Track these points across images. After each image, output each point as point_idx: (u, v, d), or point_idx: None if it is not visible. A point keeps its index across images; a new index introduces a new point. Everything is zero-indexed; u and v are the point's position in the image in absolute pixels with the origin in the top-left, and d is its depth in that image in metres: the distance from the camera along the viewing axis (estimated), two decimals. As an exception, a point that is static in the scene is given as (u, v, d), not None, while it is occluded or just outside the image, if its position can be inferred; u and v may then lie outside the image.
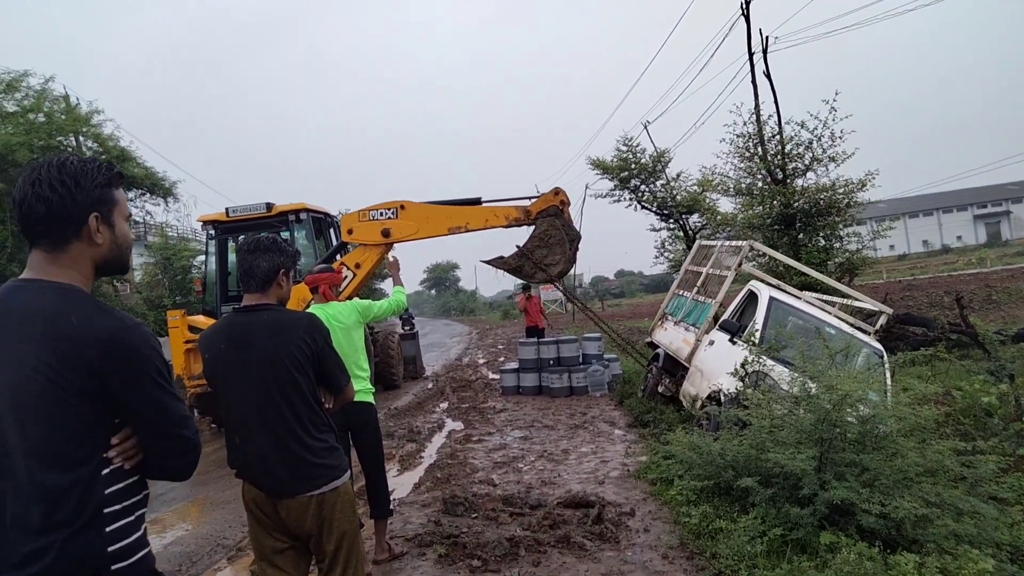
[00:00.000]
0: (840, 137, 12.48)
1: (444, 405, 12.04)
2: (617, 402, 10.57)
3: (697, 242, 12.10)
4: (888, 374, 6.22)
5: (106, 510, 1.62)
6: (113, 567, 1.63)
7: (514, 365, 13.12)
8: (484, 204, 8.22)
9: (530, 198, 7.88)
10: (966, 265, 40.65)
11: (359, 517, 3.08)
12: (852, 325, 8.02)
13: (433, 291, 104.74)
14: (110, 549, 1.62)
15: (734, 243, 11.52)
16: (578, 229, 7.69)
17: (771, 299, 7.44)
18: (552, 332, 15.80)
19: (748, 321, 7.47)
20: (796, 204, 12.69)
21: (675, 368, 9.46)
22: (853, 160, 12.83)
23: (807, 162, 12.99)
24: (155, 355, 1.68)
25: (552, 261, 7.35)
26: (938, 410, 5.22)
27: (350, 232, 8.51)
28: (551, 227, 7.41)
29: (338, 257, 9.43)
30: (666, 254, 22.23)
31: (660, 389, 10.15)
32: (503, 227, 8.02)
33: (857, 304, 9.21)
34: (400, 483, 6.83)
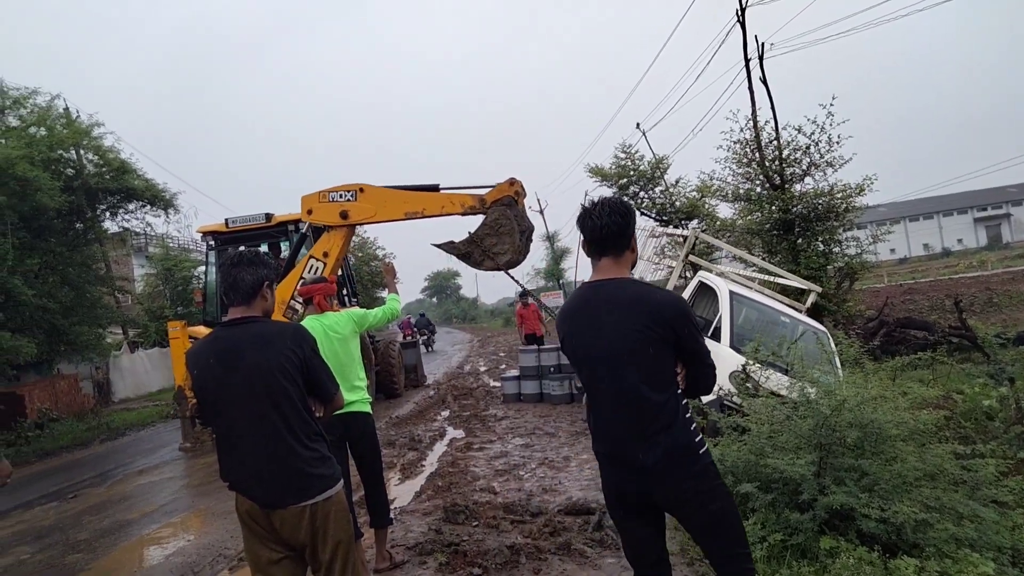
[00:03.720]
0: (837, 142, 12.50)
1: (445, 413, 12.04)
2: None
3: (649, 228, 12.32)
4: (835, 351, 6.47)
5: (686, 415, 2.46)
6: (699, 451, 2.45)
7: (515, 373, 13.12)
8: (442, 191, 8.23)
9: (487, 187, 7.87)
10: (967, 268, 40.58)
11: (360, 527, 3.08)
12: (788, 306, 8.54)
13: (434, 299, 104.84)
14: (696, 440, 2.45)
15: (680, 231, 11.78)
16: (531, 222, 7.66)
17: (731, 294, 7.57)
18: (551, 339, 15.78)
19: (705, 313, 7.70)
20: (794, 209, 12.70)
21: None
22: (852, 165, 12.87)
23: (805, 167, 12.99)
24: (693, 313, 2.55)
25: (501, 250, 7.31)
26: (938, 414, 5.22)
27: (309, 212, 8.51)
28: (503, 216, 7.38)
29: (302, 252, 9.41)
30: (665, 261, 22.24)
31: None
32: (459, 214, 8.01)
33: (785, 282, 9.80)
34: (401, 491, 6.83)
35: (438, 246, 7.40)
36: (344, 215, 8.39)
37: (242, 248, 2.88)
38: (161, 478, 9.04)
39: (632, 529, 2.59)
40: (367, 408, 4.59)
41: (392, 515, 5.06)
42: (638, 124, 21.21)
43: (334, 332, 4.34)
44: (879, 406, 4.32)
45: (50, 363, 16.64)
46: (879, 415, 4.25)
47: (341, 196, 8.42)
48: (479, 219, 7.80)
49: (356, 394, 4.38)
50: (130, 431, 14.73)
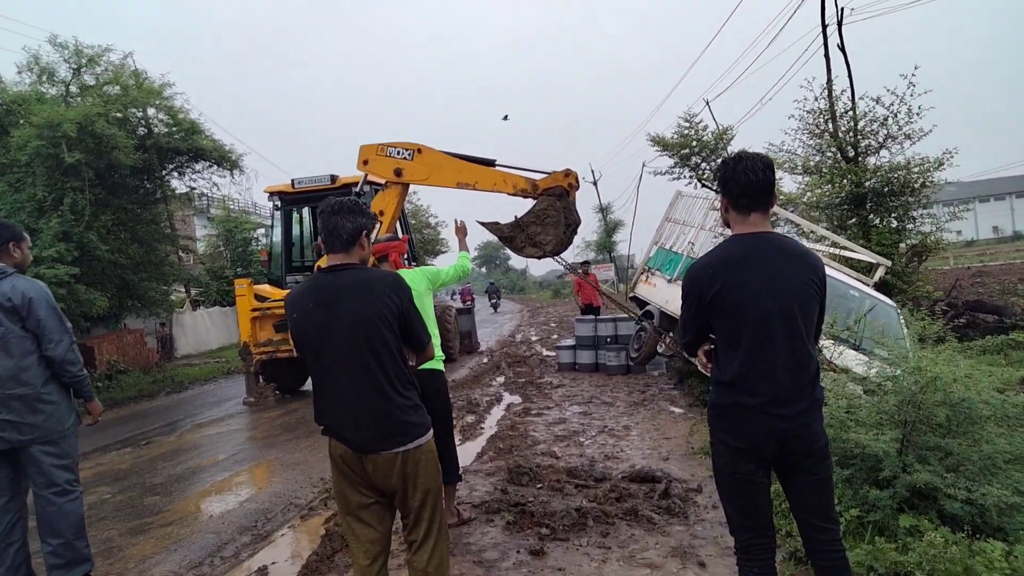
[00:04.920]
0: (918, 113, 11.93)
1: (500, 379, 12.12)
2: (676, 381, 10.47)
3: (676, 192, 12.02)
4: (905, 328, 6.19)
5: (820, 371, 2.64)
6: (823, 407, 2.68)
7: (570, 342, 13.11)
8: (497, 167, 8.15)
9: (543, 172, 7.76)
10: (1040, 252, 38.75)
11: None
12: (856, 280, 8.29)
13: (483, 269, 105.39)
14: (820, 397, 2.62)
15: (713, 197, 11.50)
16: (579, 216, 7.54)
17: None
18: (607, 310, 15.70)
19: None
20: (868, 183, 12.22)
21: (673, 326, 9.53)
22: (930, 137, 12.30)
23: (881, 139, 12.47)
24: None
25: (543, 240, 7.22)
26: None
27: (365, 163, 8.52)
28: (551, 207, 7.27)
29: None
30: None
31: (660, 349, 10.12)
32: (509, 194, 7.95)
33: (851, 255, 9.48)
34: (463, 452, 6.89)
35: (483, 224, 7.34)
36: (398, 172, 8.39)
37: (343, 197, 2.88)
38: (228, 429, 9.35)
39: (758, 484, 2.60)
40: (440, 366, 4.65)
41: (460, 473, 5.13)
42: (707, 102, 20.66)
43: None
44: (972, 385, 4.15)
45: (118, 318, 17.25)
46: (971, 394, 4.09)
47: (399, 153, 8.41)
48: (528, 202, 7.72)
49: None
50: (193, 385, 15.26)
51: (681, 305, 2.76)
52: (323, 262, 2.89)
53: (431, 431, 2.83)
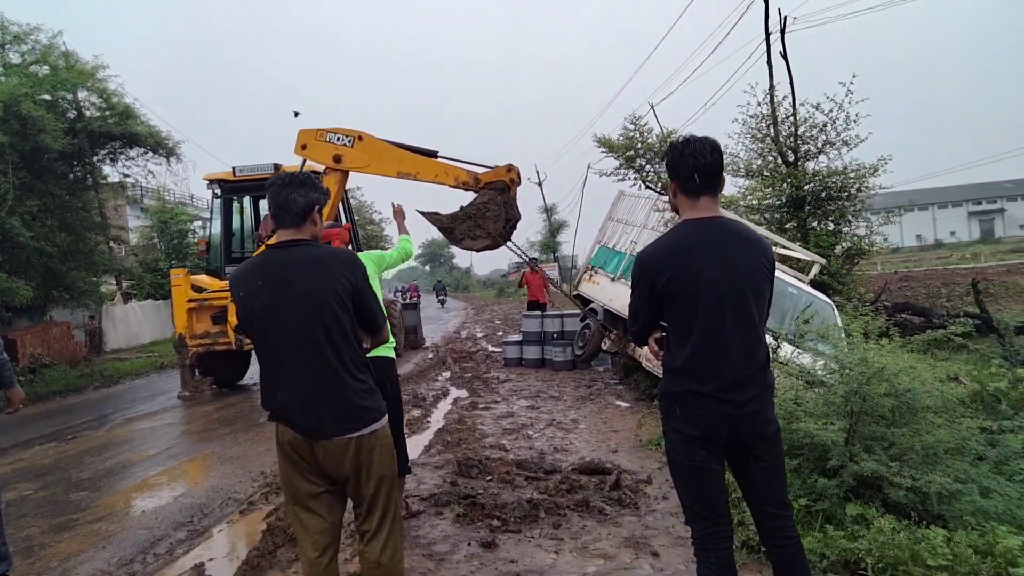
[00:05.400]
0: (855, 120, 12.34)
1: (447, 374, 11.99)
2: (622, 376, 10.54)
3: (619, 192, 12.23)
4: (839, 324, 6.43)
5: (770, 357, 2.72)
6: (774, 393, 2.65)
7: (517, 337, 13.07)
8: (439, 159, 8.08)
9: (485, 166, 7.73)
10: (960, 260, 40.71)
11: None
12: (793, 277, 8.54)
13: (427, 267, 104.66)
14: (772, 383, 2.62)
15: (664, 197, 11.72)
16: (519, 212, 7.55)
17: None
18: (553, 308, 15.74)
19: None
20: (807, 187, 12.58)
21: (616, 323, 9.71)
22: (866, 145, 12.73)
23: (820, 145, 12.84)
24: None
25: (481, 233, 7.21)
26: (960, 388, 5.19)
27: (304, 147, 8.32)
28: (492, 201, 7.25)
29: None
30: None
31: (605, 346, 10.27)
32: (450, 186, 7.89)
33: (787, 253, 9.81)
34: (410, 445, 6.72)
35: (423, 213, 7.25)
36: (337, 159, 8.19)
37: (293, 171, 2.73)
38: (161, 423, 8.96)
39: (713, 471, 2.53)
40: (391, 353, 4.52)
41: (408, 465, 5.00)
42: (652, 107, 20.95)
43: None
44: (916, 376, 4.26)
45: (43, 309, 16.42)
46: (916, 384, 4.19)
47: (339, 139, 8.20)
48: (469, 195, 7.66)
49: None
50: (124, 379, 14.60)
51: (631, 293, 2.69)
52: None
53: (386, 416, 2.71)
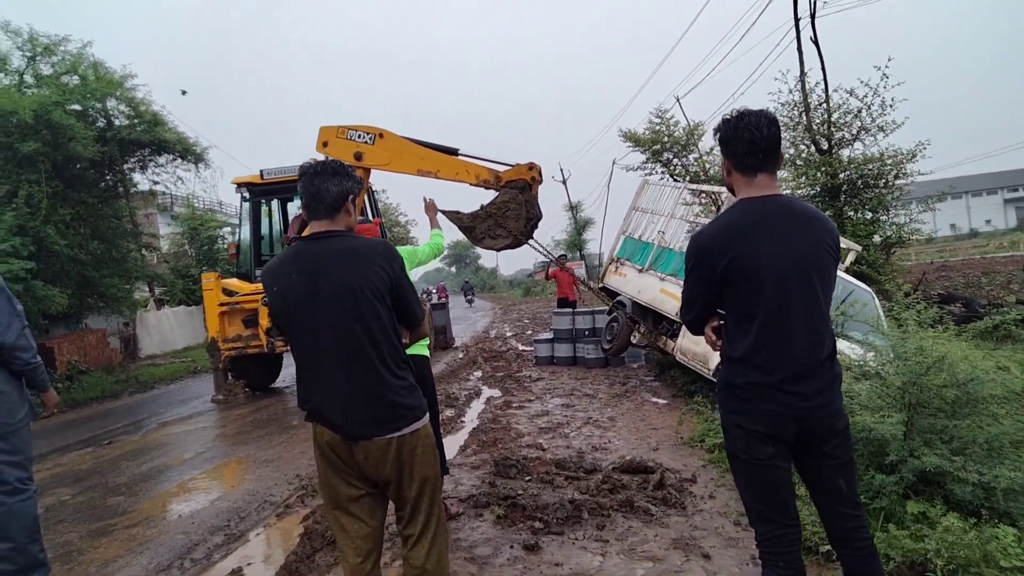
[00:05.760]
0: (891, 105, 11.99)
1: (478, 374, 11.88)
2: (657, 372, 10.33)
3: (642, 180, 11.97)
4: (881, 313, 6.20)
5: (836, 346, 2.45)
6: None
7: (548, 335, 12.92)
8: (460, 157, 7.97)
9: (506, 164, 7.60)
10: (997, 249, 39.65)
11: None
12: None
13: (452, 268, 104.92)
14: (839, 373, 2.41)
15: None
16: (540, 210, 7.39)
17: None
18: (584, 304, 15.56)
19: None
20: (842, 175, 12.26)
21: (645, 316, 9.50)
22: (903, 130, 12.37)
23: (854, 131, 12.51)
24: None
25: (502, 233, 7.08)
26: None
27: (325, 145, 8.25)
28: (513, 200, 7.14)
29: None
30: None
31: (634, 340, 10.05)
32: (471, 184, 7.77)
33: None
34: (445, 446, 6.66)
35: (444, 212, 7.16)
36: (358, 156, 8.12)
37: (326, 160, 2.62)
38: (196, 427, 8.97)
39: (779, 469, 2.36)
40: (425, 351, 4.41)
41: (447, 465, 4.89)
42: (678, 99, 20.66)
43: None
44: (977, 364, 4.04)
45: (78, 317, 16.64)
46: (978, 373, 3.97)
47: (360, 136, 8.13)
48: (490, 194, 7.54)
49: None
50: (159, 385, 14.74)
51: (685, 279, 2.53)
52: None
53: (427, 415, 2.58)
